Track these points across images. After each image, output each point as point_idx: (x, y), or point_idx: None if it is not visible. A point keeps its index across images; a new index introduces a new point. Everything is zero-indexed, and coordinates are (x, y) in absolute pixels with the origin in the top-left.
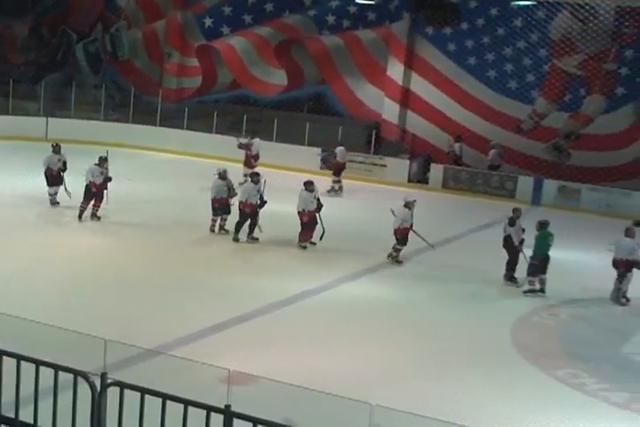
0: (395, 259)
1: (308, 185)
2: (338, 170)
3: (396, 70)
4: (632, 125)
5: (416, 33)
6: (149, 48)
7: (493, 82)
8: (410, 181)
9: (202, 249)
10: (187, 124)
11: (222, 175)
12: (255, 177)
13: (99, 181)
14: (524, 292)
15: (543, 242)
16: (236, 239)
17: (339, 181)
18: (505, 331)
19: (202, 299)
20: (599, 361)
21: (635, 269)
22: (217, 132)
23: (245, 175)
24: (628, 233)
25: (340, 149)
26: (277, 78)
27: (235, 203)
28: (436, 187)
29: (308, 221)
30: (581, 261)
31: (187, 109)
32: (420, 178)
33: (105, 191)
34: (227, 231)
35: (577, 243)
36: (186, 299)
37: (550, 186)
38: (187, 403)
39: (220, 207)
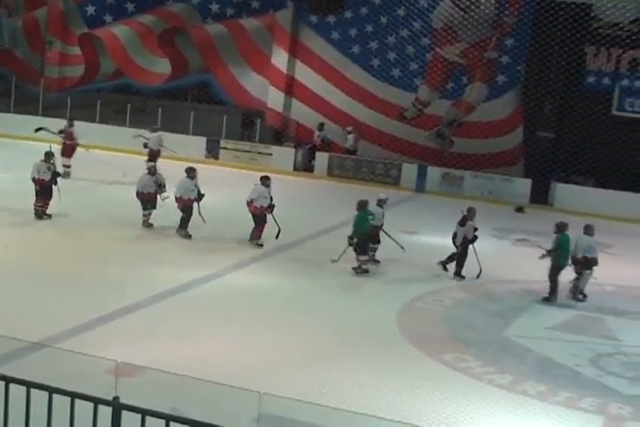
0: (371, 258)
1: (265, 180)
2: (152, 157)
3: (280, 59)
4: (513, 113)
5: (300, 21)
6: (30, 36)
7: (377, 70)
8: (295, 169)
9: (92, 242)
10: (70, 114)
11: (151, 171)
12: (192, 172)
13: (46, 177)
14: (354, 268)
15: (361, 222)
16: (186, 235)
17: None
18: (391, 317)
19: (88, 290)
20: (483, 345)
21: (594, 267)
22: (100, 122)
23: (65, 166)
24: (587, 231)
25: (153, 136)
26: (161, 67)
27: (169, 198)
28: (322, 175)
29: (260, 217)
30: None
31: (69, 99)
32: (305, 166)
33: (55, 187)
34: (150, 225)
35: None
36: (72, 291)
37: (434, 173)
38: (73, 396)
39: (147, 201)
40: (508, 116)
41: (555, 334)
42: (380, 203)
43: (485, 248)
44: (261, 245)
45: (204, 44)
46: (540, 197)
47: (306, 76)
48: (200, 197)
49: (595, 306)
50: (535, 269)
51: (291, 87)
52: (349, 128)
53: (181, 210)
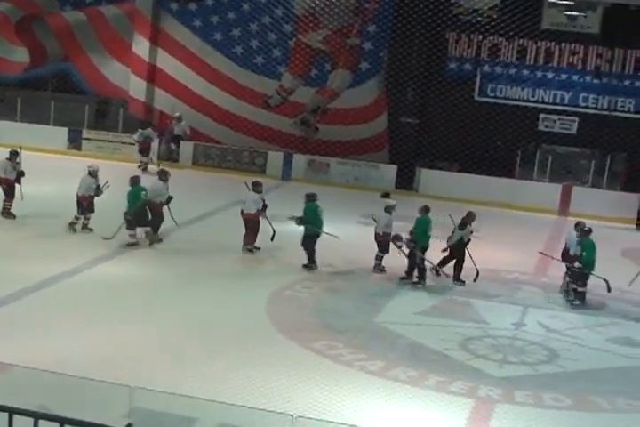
0: (378, 267)
1: (257, 186)
2: None
3: (141, 47)
4: (377, 99)
5: (161, 9)
6: None
7: (240, 57)
8: (159, 158)
9: None
10: None
11: (93, 173)
12: (164, 175)
13: (12, 176)
14: (127, 244)
15: (134, 198)
16: (158, 240)
17: None
18: (260, 306)
19: None
20: (354, 332)
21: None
22: None
23: None
24: (577, 228)
25: None
26: (19, 56)
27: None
28: (187, 164)
29: (254, 224)
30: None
31: None
32: (169, 155)
33: (19, 186)
34: (91, 230)
35: (327, 216)
36: None
37: (300, 160)
38: None
39: (88, 206)
40: (372, 102)
41: (424, 319)
42: (389, 209)
43: (352, 235)
44: (252, 251)
45: (63, 32)
46: (405, 182)
47: (168, 64)
48: (169, 199)
49: (462, 290)
50: (402, 255)
51: (153, 75)
52: (177, 114)
53: (153, 214)
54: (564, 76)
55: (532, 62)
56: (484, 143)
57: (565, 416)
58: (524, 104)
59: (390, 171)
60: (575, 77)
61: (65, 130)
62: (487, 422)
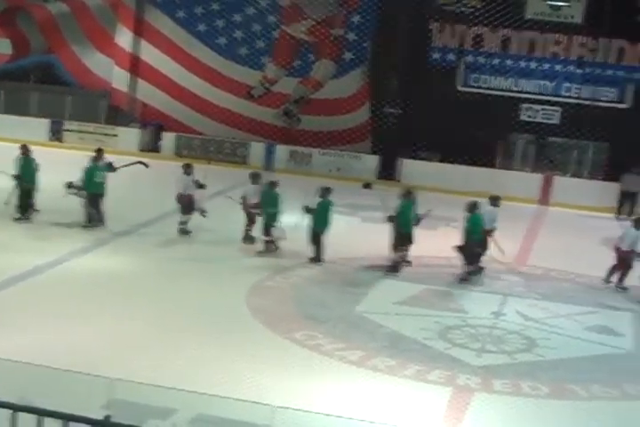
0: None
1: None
2: None
3: (124, 38)
4: (360, 90)
5: (144, 0)
6: None
7: (223, 48)
8: (142, 150)
9: None
10: None
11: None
12: (188, 168)
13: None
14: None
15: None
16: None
17: None
18: (240, 297)
19: None
20: (334, 322)
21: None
22: None
23: None
24: (638, 224)
25: None
26: (2, 48)
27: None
28: (169, 155)
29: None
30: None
31: None
32: (152, 146)
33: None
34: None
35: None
36: None
37: (282, 151)
38: None
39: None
40: (355, 92)
41: (403, 309)
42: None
43: (333, 225)
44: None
45: (47, 24)
46: (387, 173)
47: (151, 55)
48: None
49: (442, 280)
50: (383, 246)
51: (136, 67)
52: None
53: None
54: (546, 66)
55: (515, 52)
56: (466, 133)
57: (543, 405)
58: (506, 94)
59: (373, 161)
60: (558, 67)
61: (47, 121)
62: (465, 410)
